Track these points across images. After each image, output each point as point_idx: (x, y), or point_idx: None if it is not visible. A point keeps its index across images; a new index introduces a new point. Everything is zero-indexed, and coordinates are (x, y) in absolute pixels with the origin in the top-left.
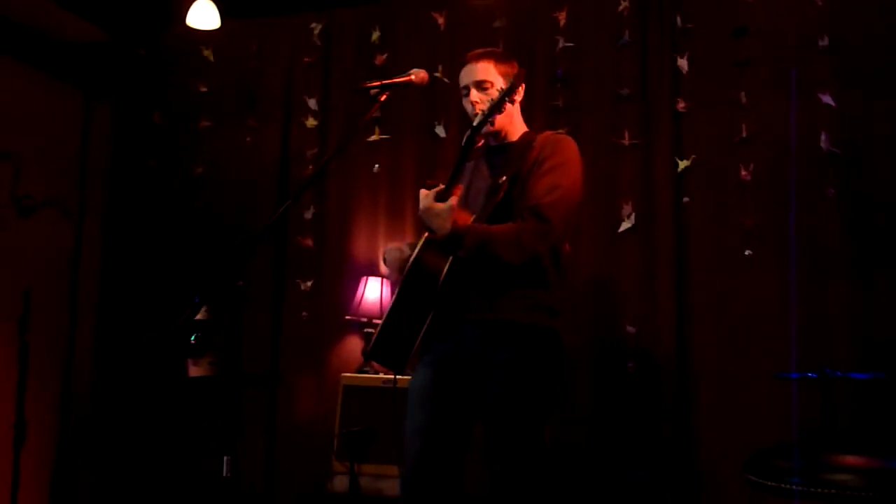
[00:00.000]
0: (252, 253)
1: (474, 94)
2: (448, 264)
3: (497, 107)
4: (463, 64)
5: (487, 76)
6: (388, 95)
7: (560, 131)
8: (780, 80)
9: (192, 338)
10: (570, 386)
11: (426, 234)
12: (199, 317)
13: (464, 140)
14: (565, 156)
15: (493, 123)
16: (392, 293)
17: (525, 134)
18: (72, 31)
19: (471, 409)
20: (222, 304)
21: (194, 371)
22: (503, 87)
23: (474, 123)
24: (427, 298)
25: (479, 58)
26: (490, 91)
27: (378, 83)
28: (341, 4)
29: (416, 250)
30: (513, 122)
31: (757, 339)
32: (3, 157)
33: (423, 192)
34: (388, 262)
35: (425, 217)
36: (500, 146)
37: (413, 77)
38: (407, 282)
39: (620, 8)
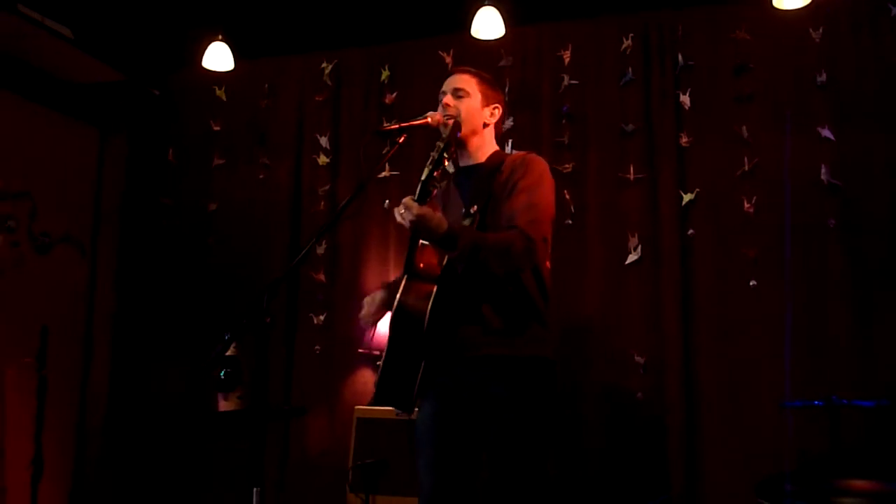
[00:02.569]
0: (277, 290)
1: (447, 98)
2: (430, 305)
3: (446, 148)
4: (448, 75)
5: (466, 87)
6: (405, 137)
7: (529, 152)
8: (780, 115)
9: (222, 373)
10: (581, 415)
11: (405, 278)
12: (228, 353)
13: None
14: (537, 174)
15: (454, 141)
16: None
17: (493, 154)
18: (88, 71)
19: (477, 439)
20: (248, 339)
21: (224, 406)
22: (481, 102)
23: (440, 144)
24: (416, 341)
25: (463, 71)
26: (464, 100)
27: (397, 126)
28: (351, 44)
29: (399, 294)
30: (484, 143)
31: (763, 368)
32: (22, 196)
33: (406, 200)
34: (363, 315)
35: (420, 222)
36: (468, 167)
37: (430, 119)
38: (394, 327)
39: (623, 46)
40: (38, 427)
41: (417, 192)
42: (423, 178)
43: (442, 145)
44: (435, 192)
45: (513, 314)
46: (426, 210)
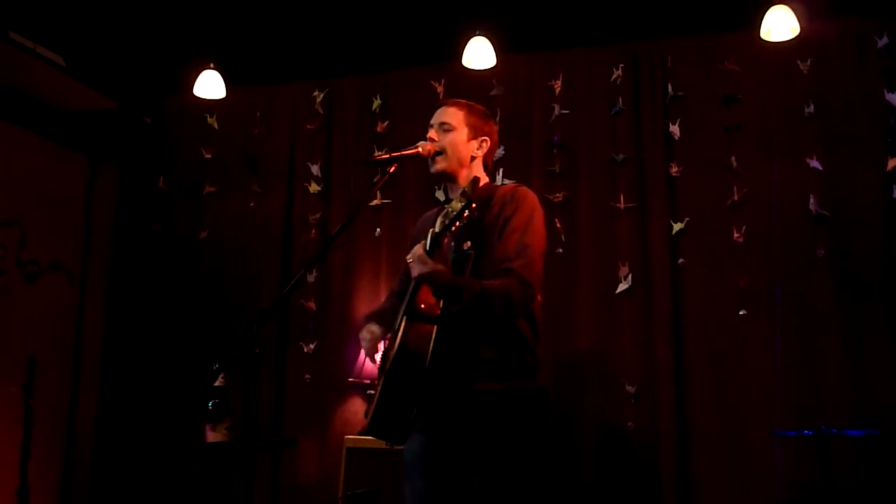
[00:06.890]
0: (267, 320)
1: (432, 133)
2: (432, 346)
3: (467, 207)
4: (438, 107)
5: (452, 120)
6: (395, 166)
7: (518, 184)
8: (768, 145)
9: (210, 404)
10: (573, 445)
11: (404, 319)
12: (216, 383)
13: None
14: (528, 211)
15: (442, 171)
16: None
17: (483, 187)
18: (79, 99)
19: (467, 469)
20: (237, 370)
21: (212, 437)
22: (467, 136)
23: (447, 219)
24: (416, 380)
25: (451, 104)
26: (449, 134)
27: (388, 155)
28: (342, 73)
29: (399, 335)
30: (472, 176)
31: (754, 397)
32: (10, 224)
33: (419, 252)
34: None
35: (429, 277)
36: None
37: (420, 149)
38: (395, 368)
39: (614, 76)
40: (25, 457)
41: (429, 242)
42: (436, 230)
43: (463, 203)
44: (446, 241)
45: (504, 349)
46: (439, 268)
